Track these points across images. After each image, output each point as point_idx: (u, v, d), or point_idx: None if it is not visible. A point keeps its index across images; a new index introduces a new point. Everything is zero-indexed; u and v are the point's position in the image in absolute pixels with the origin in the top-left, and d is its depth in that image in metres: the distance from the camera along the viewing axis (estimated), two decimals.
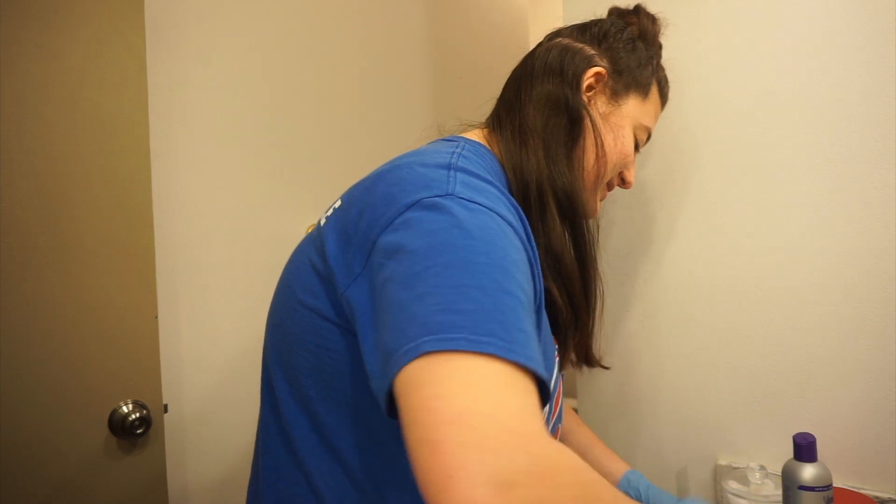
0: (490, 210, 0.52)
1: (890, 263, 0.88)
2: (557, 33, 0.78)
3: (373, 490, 0.59)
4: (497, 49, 1.79)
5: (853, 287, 0.91)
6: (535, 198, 0.64)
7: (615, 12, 0.81)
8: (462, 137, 0.69)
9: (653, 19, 0.80)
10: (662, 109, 0.82)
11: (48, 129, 0.91)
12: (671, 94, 0.84)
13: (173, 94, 1.10)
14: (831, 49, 0.91)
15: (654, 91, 0.78)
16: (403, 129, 1.48)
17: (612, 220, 1.11)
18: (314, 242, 0.61)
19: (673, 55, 0.85)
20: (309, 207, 1.28)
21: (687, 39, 1.00)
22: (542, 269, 0.61)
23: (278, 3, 1.26)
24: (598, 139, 0.71)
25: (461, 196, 0.51)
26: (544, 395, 0.46)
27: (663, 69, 0.81)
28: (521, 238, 0.54)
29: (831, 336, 0.92)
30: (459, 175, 0.54)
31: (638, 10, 0.80)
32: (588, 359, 0.75)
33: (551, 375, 0.64)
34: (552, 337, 0.66)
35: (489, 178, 0.57)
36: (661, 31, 0.81)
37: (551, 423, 0.66)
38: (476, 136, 0.72)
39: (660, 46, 0.82)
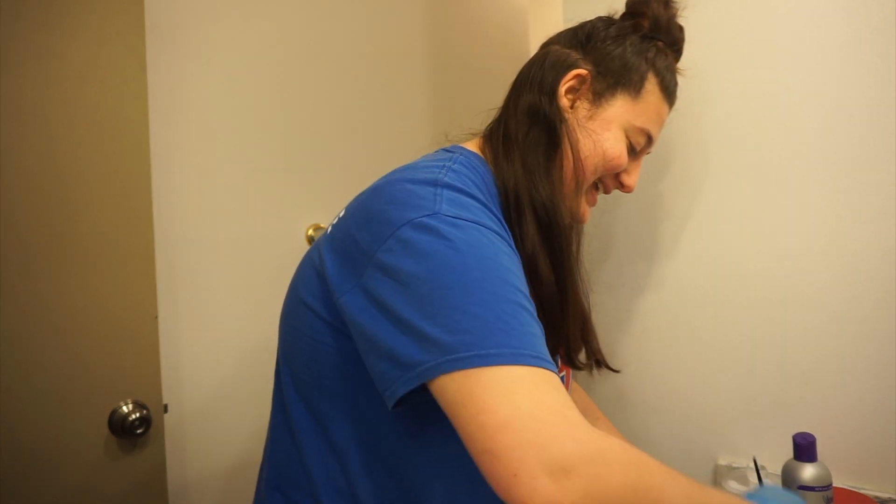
0: (475, 223, 0.56)
1: (890, 264, 0.88)
2: (550, 40, 0.78)
3: (357, 468, 0.64)
4: (496, 49, 1.79)
5: (853, 287, 0.91)
6: (514, 206, 0.67)
7: (628, 7, 0.77)
8: (460, 147, 0.72)
9: (665, 2, 0.75)
10: (671, 105, 0.77)
11: (48, 129, 0.90)
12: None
13: (173, 94, 1.10)
14: (833, 50, 0.91)
15: (649, 88, 0.73)
16: (403, 130, 1.48)
17: (614, 223, 1.11)
18: (319, 247, 0.66)
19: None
20: (308, 208, 1.28)
21: (687, 41, 1.00)
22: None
23: (278, 4, 1.26)
24: (575, 147, 0.71)
25: (447, 214, 0.55)
26: None
27: (667, 58, 0.75)
28: (508, 243, 0.59)
29: (831, 336, 0.92)
30: (445, 192, 0.58)
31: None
32: (571, 361, 0.76)
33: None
34: None
35: (474, 192, 0.61)
36: (678, 13, 0.77)
37: None
38: (473, 145, 0.74)
39: (680, 29, 0.78)
